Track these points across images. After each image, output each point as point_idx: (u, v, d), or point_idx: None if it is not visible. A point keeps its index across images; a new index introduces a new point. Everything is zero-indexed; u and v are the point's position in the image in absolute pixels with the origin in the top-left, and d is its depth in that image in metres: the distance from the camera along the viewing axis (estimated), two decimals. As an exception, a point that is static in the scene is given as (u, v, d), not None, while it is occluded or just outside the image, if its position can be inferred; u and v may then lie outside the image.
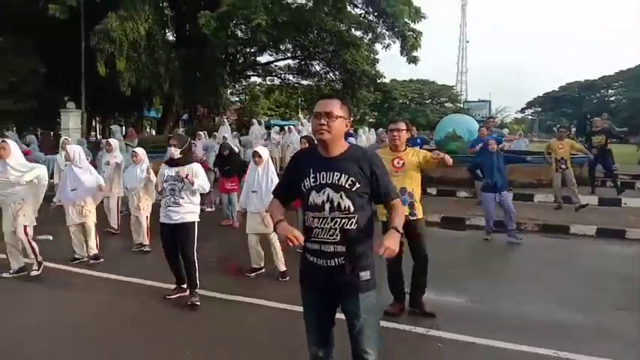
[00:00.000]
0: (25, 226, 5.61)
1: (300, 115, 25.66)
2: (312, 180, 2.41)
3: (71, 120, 17.68)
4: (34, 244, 5.70)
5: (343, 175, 2.36)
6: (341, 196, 2.35)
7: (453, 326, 4.14)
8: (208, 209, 9.85)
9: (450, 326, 4.14)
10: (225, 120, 16.60)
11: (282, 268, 5.65)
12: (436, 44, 65.09)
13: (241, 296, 4.99)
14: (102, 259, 6.30)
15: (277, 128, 16.83)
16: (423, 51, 19.23)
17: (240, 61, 24.58)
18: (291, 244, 2.31)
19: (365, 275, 2.39)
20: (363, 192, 2.38)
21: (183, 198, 4.83)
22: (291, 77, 26.83)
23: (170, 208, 4.83)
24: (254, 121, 17.46)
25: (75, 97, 17.92)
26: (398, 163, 4.36)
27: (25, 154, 10.22)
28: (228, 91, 27.89)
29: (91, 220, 6.33)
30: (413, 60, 19.44)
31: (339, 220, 2.35)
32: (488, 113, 40.40)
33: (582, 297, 5.03)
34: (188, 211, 4.86)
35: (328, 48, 21.56)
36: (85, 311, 4.70)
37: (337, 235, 2.36)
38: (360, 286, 2.38)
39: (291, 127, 15.87)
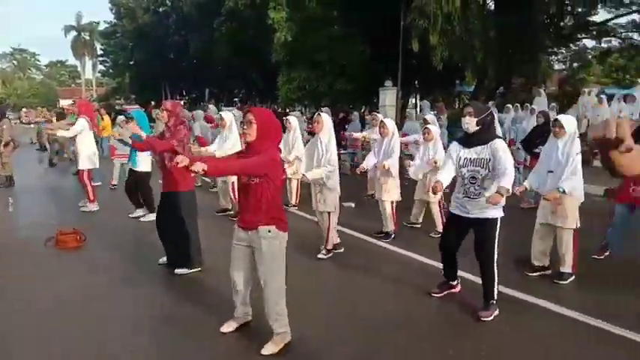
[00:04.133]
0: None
1: (641, 81, 20.53)
2: None
3: (387, 97, 18.98)
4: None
5: None
6: None
7: None
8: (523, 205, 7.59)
9: None
10: (542, 91, 14.44)
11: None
12: None
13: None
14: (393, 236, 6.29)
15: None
16: None
17: (568, 23, 21.28)
18: None
19: None
20: None
21: (486, 189, 3.76)
22: (636, 35, 21.67)
23: (467, 198, 3.87)
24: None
25: (393, 76, 19.01)
26: None
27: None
28: (551, 59, 24.79)
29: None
30: None
31: None
32: None
33: None
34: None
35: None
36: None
37: None
38: None
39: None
